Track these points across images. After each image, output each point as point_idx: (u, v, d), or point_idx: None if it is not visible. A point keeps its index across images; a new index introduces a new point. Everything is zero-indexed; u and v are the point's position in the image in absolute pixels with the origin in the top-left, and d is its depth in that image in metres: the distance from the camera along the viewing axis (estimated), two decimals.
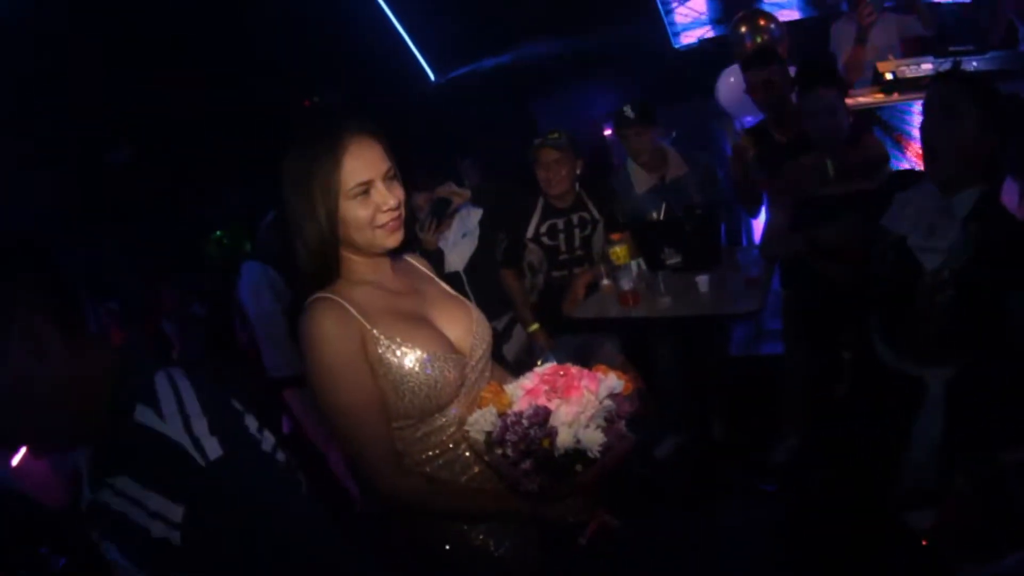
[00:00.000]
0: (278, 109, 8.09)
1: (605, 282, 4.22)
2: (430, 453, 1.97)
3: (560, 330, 4.34)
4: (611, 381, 1.85)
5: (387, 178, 1.87)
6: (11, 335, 1.31)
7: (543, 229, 4.33)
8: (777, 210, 3.80)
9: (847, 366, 3.53)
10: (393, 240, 1.90)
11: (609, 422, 1.79)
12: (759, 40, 5.52)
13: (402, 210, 1.91)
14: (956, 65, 3.74)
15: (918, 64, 4.62)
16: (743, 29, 5.69)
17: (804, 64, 4.38)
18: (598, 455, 1.73)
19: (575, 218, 4.33)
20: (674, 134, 6.49)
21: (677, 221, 4.23)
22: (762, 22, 5.71)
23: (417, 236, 4.15)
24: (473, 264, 4.39)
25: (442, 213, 4.13)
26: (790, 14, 7.66)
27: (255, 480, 1.42)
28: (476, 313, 2.14)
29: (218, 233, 6.12)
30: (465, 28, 8.67)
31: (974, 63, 4.43)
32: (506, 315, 4.51)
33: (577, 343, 4.33)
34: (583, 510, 1.93)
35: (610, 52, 7.93)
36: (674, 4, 8.19)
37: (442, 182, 4.30)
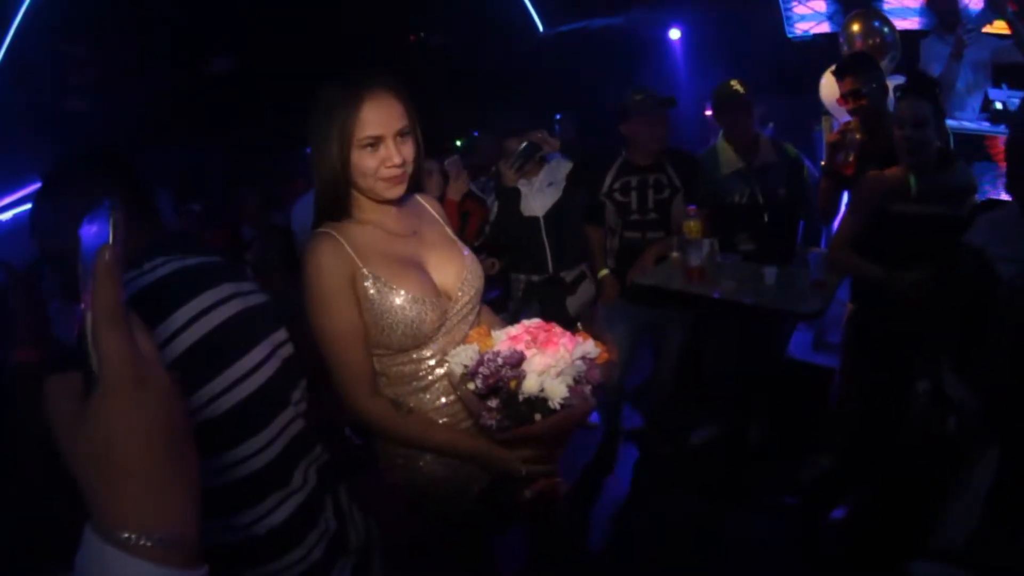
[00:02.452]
0: (382, 40, 8.22)
1: (675, 254, 4.21)
2: (405, 380, 2.14)
3: (627, 297, 4.36)
4: (587, 346, 1.94)
5: (399, 135, 2.00)
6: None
7: (616, 185, 4.35)
8: (853, 218, 3.69)
9: (920, 397, 3.32)
10: (392, 193, 2.06)
11: (576, 382, 1.89)
12: (871, 42, 5.36)
13: (408, 167, 2.05)
14: None
15: None
16: (855, 28, 5.53)
17: (908, 74, 4.30)
18: (557, 407, 1.83)
19: (651, 179, 4.32)
20: (771, 125, 6.43)
21: (757, 208, 4.22)
22: (876, 23, 5.54)
23: (502, 172, 4.34)
24: (553, 213, 4.43)
25: (530, 156, 4.23)
26: (910, 23, 7.50)
27: None
28: (470, 260, 2.27)
29: (307, 151, 6.24)
30: None
31: None
32: (577, 268, 4.54)
33: (645, 319, 4.44)
34: (535, 463, 2.02)
35: (720, 31, 7.84)
36: None
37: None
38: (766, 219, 4.18)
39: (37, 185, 1.72)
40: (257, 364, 1.78)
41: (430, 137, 2.16)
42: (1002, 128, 4.72)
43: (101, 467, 0.71)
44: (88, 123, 7.70)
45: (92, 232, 0.81)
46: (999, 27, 4.91)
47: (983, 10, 5.10)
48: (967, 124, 4.79)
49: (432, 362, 2.13)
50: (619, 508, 4.34)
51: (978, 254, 2.52)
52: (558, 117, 6.44)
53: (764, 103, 6.84)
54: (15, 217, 8.26)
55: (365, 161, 1.99)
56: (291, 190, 6.64)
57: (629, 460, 4.65)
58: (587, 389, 1.93)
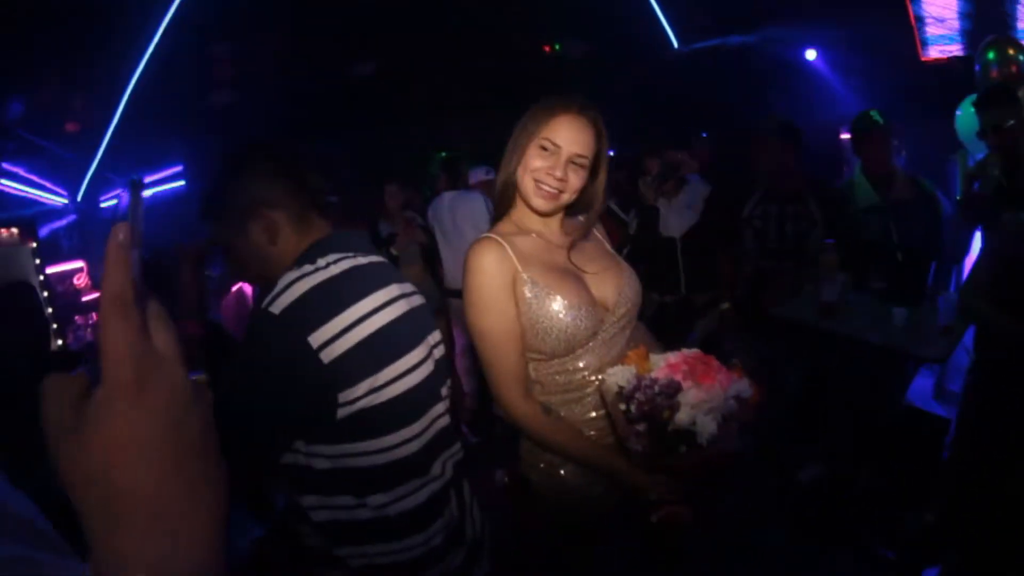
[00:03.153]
0: (517, 49, 8.37)
1: (809, 287, 4.20)
2: (558, 388, 2.21)
3: (756, 325, 4.37)
4: (742, 385, 1.95)
5: (574, 159, 2.11)
6: (255, 220, 1.87)
7: (757, 212, 4.40)
8: (987, 263, 3.53)
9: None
10: (539, 202, 2.15)
11: (726, 420, 1.90)
12: (1007, 71, 5.27)
13: (566, 195, 2.15)
14: None
15: None
16: (990, 56, 5.44)
17: None
18: (704, 444, 1.86)
19: (790, 209, 4.35)
20: (904, 154, 6.35)
21: (891, 245, 4.17)
22: (1011, 51, 5.43)
23: (641, 190, 4.41)
24: (690, 235, 4.50)
25: (669, 175, 4.33)
26: None
27: None
28: (629, 276, 2.34)
29: (443, 154, 6.48)
30: (716, 2, 8.70)
31: None
32: (708, 293, 4.61)
33: (762, 354, 4.39)
34: (669, 492, 2.07)
35: (854, 52, 7.76)
36: (927, 15, 7.83)
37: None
38: (899, 258, 4.13)
39: (177, 168, 1.91)
40: (417, 363, 1.89)
41: None
42: None
43: (99, 489, 0.60)
44: (230, 117, 8.11)
45: (118, 208, 0.68)
46: None
47: None
48: None
49: (585, 373, 2.20)
50: (715, 533, 4.20)
51: None
52: (704, 136, 6.47)
53: (897, 131, 6.76)
54: (154, 195, 8.82)
55: (532, 159, 2.12)
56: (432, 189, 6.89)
57: (734, 488, 4.55)
58: (735, 428, 1.94)
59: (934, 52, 7.95)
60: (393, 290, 1.91)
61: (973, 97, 4.65)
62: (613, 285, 2.28)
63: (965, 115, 5.19)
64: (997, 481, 3.37)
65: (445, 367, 2.09)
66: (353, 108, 8.54)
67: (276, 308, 1.68)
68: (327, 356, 1.67)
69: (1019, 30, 7.07)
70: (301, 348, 1.66)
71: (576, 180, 2.14)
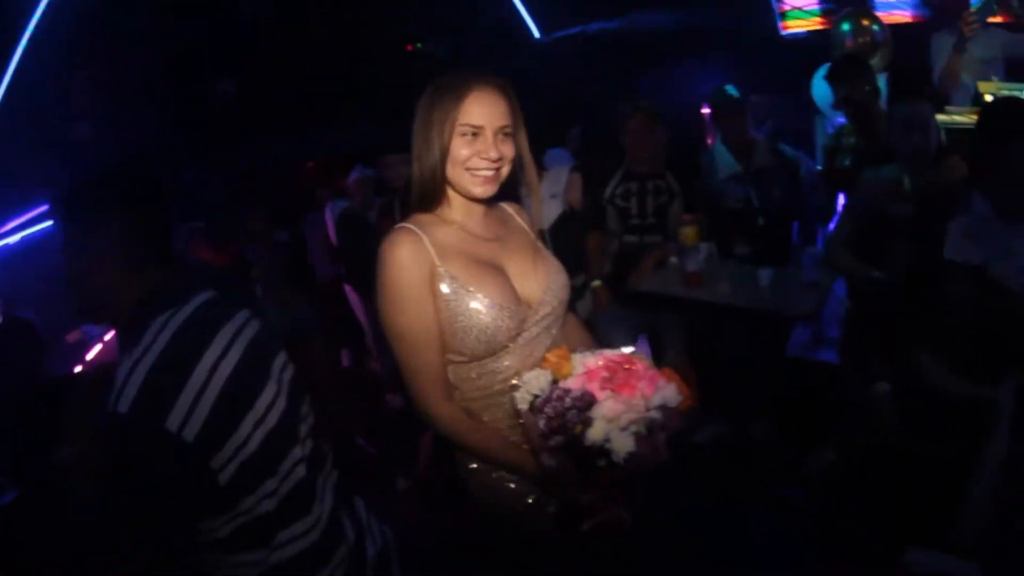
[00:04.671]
0: (380, 52, 8.26)
1: (673, 260, 4.28)
2: (478, 392, 2.05)
3: (627, 301, 4.42)
4: (669, 392, 1.81)
5: (500, 132, 1.97)
6: (105, 248, 1.79)
7: (618, 191, 4.45)
8: (848, 219, 3.73)
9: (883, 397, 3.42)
10: (481, 190, 1.99)
11: (649, 431, 1.76)
12: (860, 41, 5.43)
13: (503, 167, 2.00)
14: None
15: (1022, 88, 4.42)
16: (844, 27, 5.60)
17: (897, 75, 4.31)
18: (621, 461, 1.72)
19: (650, 184, 4.42)
20: (769, 124, 6.44)
21: (752, 212, 4.27)
22: (865, 22, 5.60)
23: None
24: (557, 225, 4.51)
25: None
26: (901, 15, 7.50)
27: None
28: (556, 270, 2.19)
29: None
30: None
31: None
32: (581, 275, 4.59)
33: (643, 322, 4.50)
34: (596, 498, 1.95)
35: (716, 31, 7.87)
36: None
37: None
38: (761, 222, 4.23)
39: (44, 207, 1.82)
40: (271, 401, 1.83)
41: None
42: None
43: None
44: (92, 148, 7.82)
45: None
46: None
47: (987, 4, 4.96)
48: (958, 119, 4.65)
49: (507, 376, 2.03)
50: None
51: (977, 275, 2.54)
52: (574, 130, 6.44)
53: (763, 102, 6.90)
54: (23, 240, 8.44)
55: (460, 149, 1.95)
56: (314, 201, 6.77)
57: None
58: (661, 439, 1.80)
59: (792, 27, 8.11)
60: (228, 330, 1.84)
61: (826, 69, 4.76)
62: (538, 280, 2.14)
63: (819, 85, 5.31)
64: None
65: (298, 390, 2.01)
66: (219, 127, 8.31)
67: (123, 406, 1.63)
68: (189, 433, 1.64)
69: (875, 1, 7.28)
70: (163, 437, 1.62)
71: (508, 149, 2.00)
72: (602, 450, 1.72)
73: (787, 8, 7.96)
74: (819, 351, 5.35)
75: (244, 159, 8.09)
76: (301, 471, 1.88)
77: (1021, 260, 2.45)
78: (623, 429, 1.72)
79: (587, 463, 1.76)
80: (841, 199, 4.78)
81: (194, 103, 8.32)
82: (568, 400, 1.74)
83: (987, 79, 4.59)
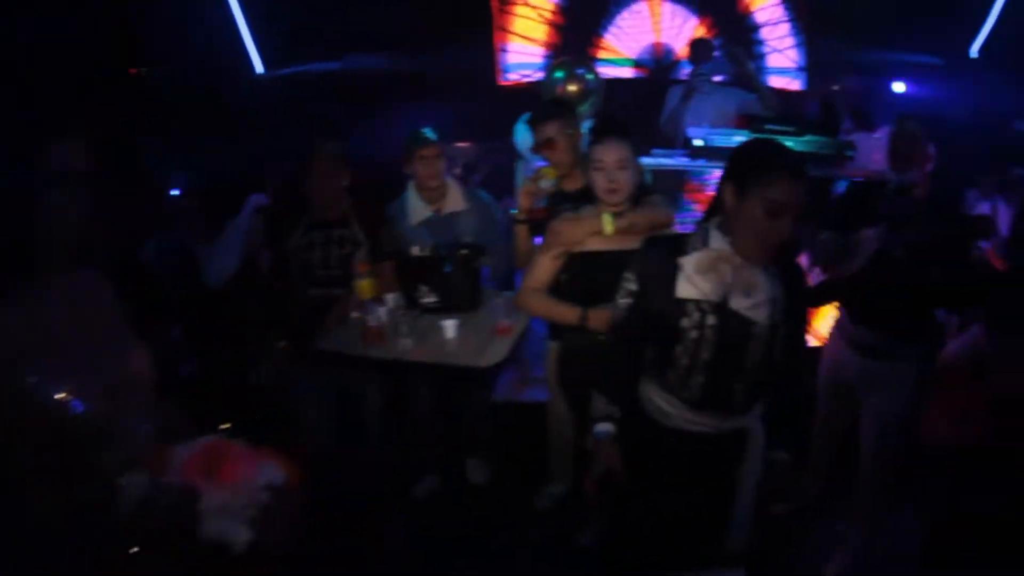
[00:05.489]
0: (105, 77, 7.61)
1: (355, 314, 3.99)
2: None
3: (316, 361, 4.06)
4: (272, 471, 1.73)
5: None
6: None
7: (302, 241, 4.15)
8: (545, 260, 3.56)
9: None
10: None
11: (267, 513, 1.67)
12: (571, 88, 5.49)
13: None
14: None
15: (730, 136, 4.89)
16: (557, 75, 5.65)
17: (598, 118, 4.29)
18: (243, 552, 1.60)
19: (336, 234, 4.16)
20: (458, 170, 6.45)
21: (437, 258, 4.07)
22: (579, 70, 5.66)
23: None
24: (238, 278, 4.34)
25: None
26: (621, 71, 7.90)
27: None
28: (139, 354, 2.01)
29: None
30: (302, 25, 8.46)
31: (788, 144, 4.47)
32: (263, 335, 4.38)
33: (336, 383, 4.29)
34: None
35: (438, 78, 7.98)
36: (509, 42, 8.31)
37: None
38: (446, 269, 4.03)
39: None
40: None
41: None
42: (701, 162, 5.04)
43: None
44: None
45: None
46: None
47: (717, 59, 5.50)
48: (664, 160, 5.05)
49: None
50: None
51: (719, 310, 2.54)
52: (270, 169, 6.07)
53: (475, 150, 6.87)
54: None
55: None
56: None
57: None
58: (279, 520, 1.70)
59: (513, 77, 8.43)
60: None
61: (528, 115, 4.78)
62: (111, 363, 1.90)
63: (521, 130, 5.34)
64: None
65: None
66: None
67: None
68: None
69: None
70: None
71: None
72: (219, 544, 1.59)
73: (510, 60, 8.26)
74: (527, 392, 5.39)
75: None
76: None
77: (758, 297, 2.49)
78: (234, 519, 1.61)
79: (210, 561, 1.61)
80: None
81: None
82: (172, 498, 1.62)
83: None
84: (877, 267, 3.56)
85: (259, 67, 9.07)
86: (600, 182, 3.35)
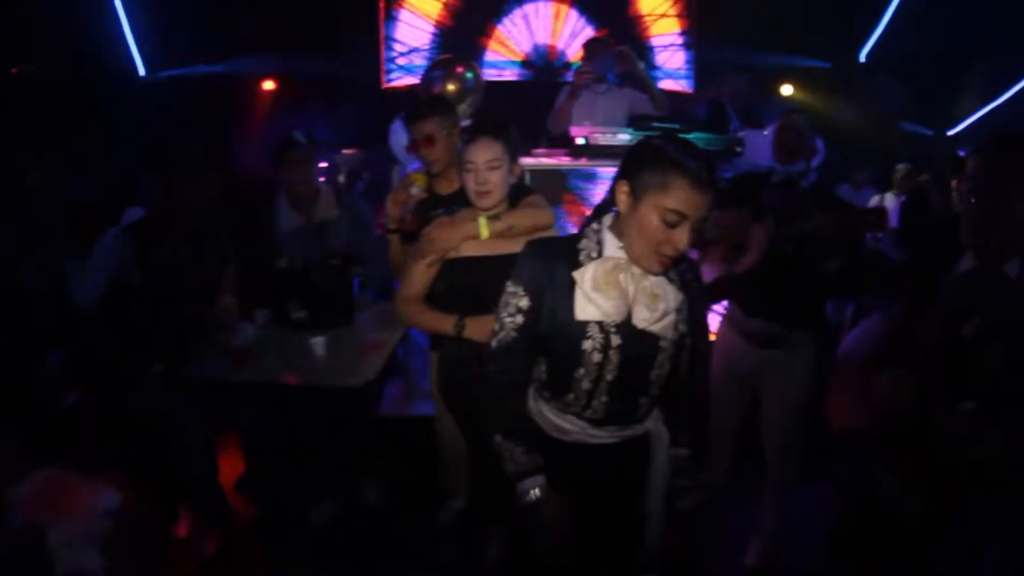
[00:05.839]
0: None
1: (225, 334, 3.74)
2: None
3: (194, 388, 3.75)
4: (108, 496, 1.68)
5: None
6: None
7: (172, 257, 3.80)
8: (418, 268, 3.35)
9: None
10: None
11: (111, 540, 1.62)
12: (450, 86, 5.37)
13: None
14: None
15: (614, 134, 4.73)
16: (435, 72, 5.53)
17: (475, 117, 4.17)
18: None
19: (207, 247, 3.87)
20: (365, 177, 6.28)
21: (305, 270, 3.84)
22: (459, 69, 5.53)
23: None
24: (110, 300, 3.90)
25: None
26: (509, 74, 7.83)
27: None
28: None
29: None
30: (186, 27, 8.19)
31: None
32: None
33: (221, 410, 3.93)
34: None
35: (322, 81, 7.83)
36: (396, 46, 8.21)
37: None
38: (315, 281, 3.84)
39: None
40: None
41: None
42: (583, 161, 4.97)
43: None
44: None
45: None
46: None
47: (605, 59, 5.35)
48: (545, 161, 4.95)
49: None
50: None
51: (624, 328, 2.32)
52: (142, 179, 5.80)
53: (358, 156, 6.74)
54: None
55: None
56: None
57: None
58: (130, 542, 1.66)
59: (396, 81, 8.33)
60: None
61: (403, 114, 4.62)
62: None
63: (397, 132, 5.20)
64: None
65: None
66: None
67: None
68: None
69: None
70: None
71: None
72: None
73: (396, 63, 8.12)
74: (414, 406, 5.21)
75: None
76: None
77: (662, 308, 2.29)
78: (84, 549, 1.59)
79: None
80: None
81: None
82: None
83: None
84: (768, 261, 3.52)
85: (141, 69, 8.75)
86: (470, 184, 3.18)
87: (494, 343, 2.39)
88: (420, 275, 3.30)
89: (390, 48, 8.18)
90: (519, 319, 2.33)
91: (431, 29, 8.41)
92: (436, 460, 4.24)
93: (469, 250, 3.22)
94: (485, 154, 3.12)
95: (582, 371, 2.30)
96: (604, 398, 2.34)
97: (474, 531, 4.01)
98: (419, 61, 8.19)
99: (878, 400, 2.64)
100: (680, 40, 8.67)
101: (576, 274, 2.25)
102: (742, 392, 3.92)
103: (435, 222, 3.31)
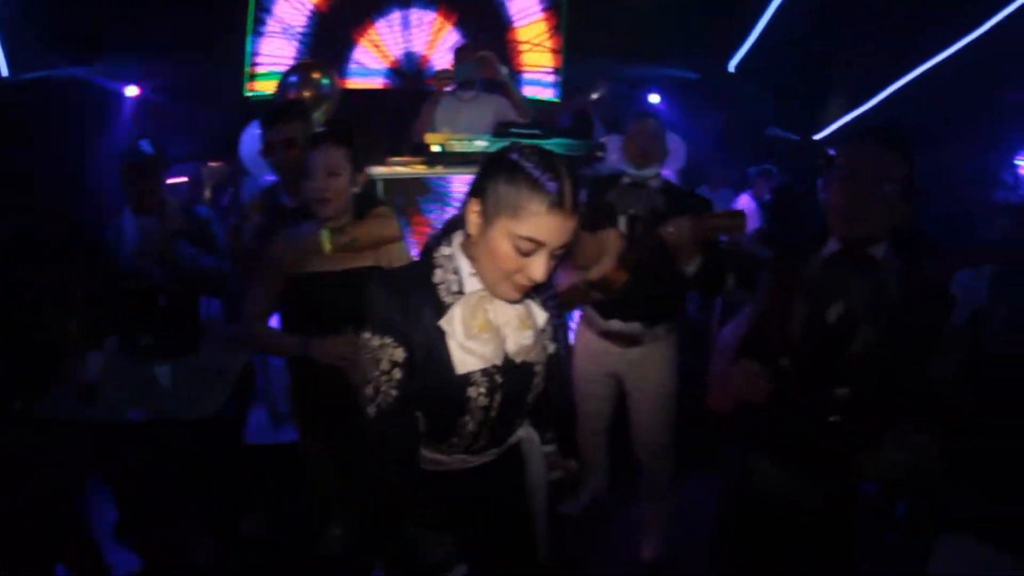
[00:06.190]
0: None
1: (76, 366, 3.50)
2: None
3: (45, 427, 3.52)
4: None
5: None
6: None
7: (15, 279, 3.46)
8: (263, 287, 3.23)
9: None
10: None
11: None
12: (305, 93, 5.30)
13: None
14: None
15: (471, 140, 4.72)
16: (291, 79, 5.45)
17: (327, 122, 4.11)
18: None
19: (53, 268, 3.54)
20: (231, 192, 6.19)
21: (154, 291, 3.60)
22: (316, 75, 5.46)
23: None
24: None
25: None
26: (376, 81, 7.97)
27: None
28: None
29: None
30: (49, 25, 7.74)
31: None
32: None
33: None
34: None
35: (183, 87, 7.69)
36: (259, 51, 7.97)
37: None
38: (161, 303, 3.62)
39: None
40: None
41: None
42: (438, 169, 4.91)
43: None
44: None
45: None
46: None
47: (466, 64, 5.31)
48: (400, 169, 4.87)
49: None
50: None
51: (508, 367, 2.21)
52: None
53: (225, 170, 6.59)
54: None
55: None
56: None
57: None
58: None
59: (260, 87, 8.04)
60: None
61: (254, 123, 4.65)
62: None
63: (249, 139, 5.17)
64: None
65: None
66: None
67: None
68: None
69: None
70: None
71: None
72: None
73: (260, 70, 7.87)
74: (280, 432, 5.06)
75: None
76: None
77: (531, 333, 2.18)
78: None
79: None
80: None
81: None
82: None
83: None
84: (625, 265, 3.52)
85: (4, 70, 8.34)
86: (309, 191, 3.09)
87: (372, 411, 2.06)
88: (263, 294, 3.19)
89: (256, 52, 7.95)
90: (397, 374, 2.03)
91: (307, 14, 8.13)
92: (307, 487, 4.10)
93: (313, 266, 3.13)
94: (326, 160, 3.05)
95: (467, 418, 2.13)
96: (488, 433, 2.21)
97: (360, 560, 3.79)
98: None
99: (735, 390, 2.70)
100: (552, 76, 8.72)
101: (444, 324, 2.02)
102: (610, 391, 4.03)
103: (277, 237, 3.21)
